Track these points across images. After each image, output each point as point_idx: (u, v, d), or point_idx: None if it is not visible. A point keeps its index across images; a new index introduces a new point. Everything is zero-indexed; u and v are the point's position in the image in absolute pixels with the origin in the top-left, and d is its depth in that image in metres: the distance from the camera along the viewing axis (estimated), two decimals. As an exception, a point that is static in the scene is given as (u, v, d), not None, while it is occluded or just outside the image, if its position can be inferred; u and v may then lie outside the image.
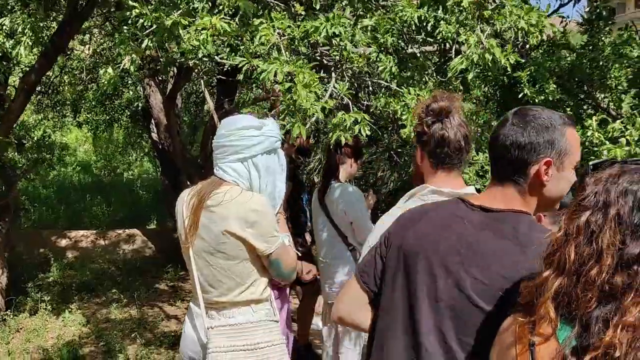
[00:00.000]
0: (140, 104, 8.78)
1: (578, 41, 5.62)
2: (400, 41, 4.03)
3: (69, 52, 8.13)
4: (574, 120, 1.57)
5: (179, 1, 3.38)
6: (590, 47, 4.67)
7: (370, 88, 3.67)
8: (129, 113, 9.80)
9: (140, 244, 8.01)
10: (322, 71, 3.20)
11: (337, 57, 3.00)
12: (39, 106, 10.23)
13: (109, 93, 8.63)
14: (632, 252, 1.01)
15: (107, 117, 9.99)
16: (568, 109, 3.75)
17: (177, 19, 2.78)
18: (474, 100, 6.15)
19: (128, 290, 6.36)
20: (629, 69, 4.26)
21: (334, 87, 2.83)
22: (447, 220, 1.50)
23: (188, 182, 5.66)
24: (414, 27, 3.97)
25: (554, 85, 4.66)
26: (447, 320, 1.40)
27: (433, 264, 1.46)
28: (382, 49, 3.57)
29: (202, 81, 4.46)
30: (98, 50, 7.69)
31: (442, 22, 3.50)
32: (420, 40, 4.12)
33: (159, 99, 6.80)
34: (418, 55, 3.54)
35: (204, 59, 3.71)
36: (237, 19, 2.86)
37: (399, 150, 6.61)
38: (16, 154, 6.76)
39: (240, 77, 2.99)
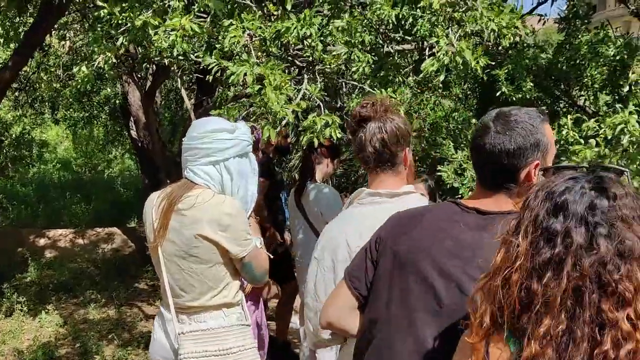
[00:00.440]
0: (118, 102, 8.68)
1: (556, 39, 5.66)
2: (377, 39, 4.02)
3: (46, 48, 8.01)
4: (546, 113, 1.58)
5: (153, 1, 3.34)
6: (567, 46, 4.70)
7: (345, 89, 3.65)
8: (107, 110, 9.69)
9: (120, 243, 7.93)
10: (297, 72, 3.18)
11: (310, 58, 2.98)
12: (16, 103, 10.08)
13: (86, 90, 8.52)
14: (543, 258, 0.99)
15: (86, 114, 9.87)
16: (544, 108, 3.77)
17: (147, 19, 2.73)
18: (453, 98, 6.18)
19: (106, 290, 6.30)
20: (604, 67, 4.29)
21: (306, 89, 2.81)
22: (442, 224, 1.49)
23: (167, 181, 5.61)
24: (391, 25, 3.97)
25: (531, 84, 4.69)
26: (452, 325, 1.38)
27: (431, 272, 1.44)
28: (360, 47, 3.56)
29: (178, 79, 4.42)
30: (74, 48, 7.58)
31: (419, 20, 3.50)
32: (398, 38, 4.11)
33: (138, 96, 6.72)
34: (392, 53, 3.52)
35: (179, 57, 3.67)
36: (208, 19, 2.83)
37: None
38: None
39: (210, 78, 2.95)
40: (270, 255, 2.36)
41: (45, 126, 12.95)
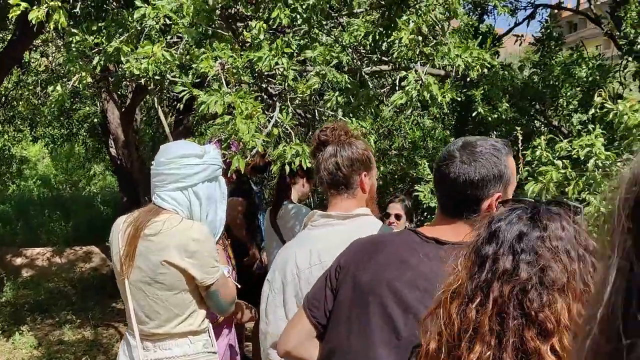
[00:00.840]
0: (97, 120, 8.63)
1: (534, 59, 5.73)
2: (355, 60, 4.05)
3: (25, 65, 7.96)
4: (510, 145, 1.59)
5: (129, 23, 3.33)
6: (542, 67, 4.77)
7: (317, 117, 3.66)
8: (87, 127, 9.62)
9: (99, 262, 7.84)
10: (270, 99, 3.19)
11: (282, 86, 2.98)
12: (-5, 119, 9.99)
13: (65, 108, 8.46)
14: (475, 283, 1.01)
15: (65, 132, 9.79)
16: (519, 128, 3.81)
17: (119, 45, 2.72)
18: (431, 118, 6.22)
19: (83, 310, 6.21)
20: (577, 89, 4.36)
21: (278, 117, 2.81)
22: (403, 254, 1.48)
23: (146, 198, 5.57)
24: (368, 47, 4.00)
25: (507, 104, 4.74)
26: (411, 357, 1.37)
27: (391, 302, 1.43)
28: (337, 68, 3.58)
29: (155, 99, 4.40)
30: (51, 67, 7.54)
31: (396, 42, 3.54)
32: (375, 59, 4.15)
33: (117, 114, 6.69)
34: (367, 79, 3.55)
35: (156, 77, 3.66)
36: (181, 45, 2.83)
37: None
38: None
39: (181, 106, 2.95)
40: (237, 284, 2.33)
41: (26, 142, 12.82)
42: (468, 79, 3.72)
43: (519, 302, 0.97)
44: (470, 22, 5.24)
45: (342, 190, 1.94)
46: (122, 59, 2.77)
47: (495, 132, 5.25)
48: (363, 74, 3.64)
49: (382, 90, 4.94)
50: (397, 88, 3.04)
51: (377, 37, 3.33)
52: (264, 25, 3.11)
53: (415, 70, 2.87)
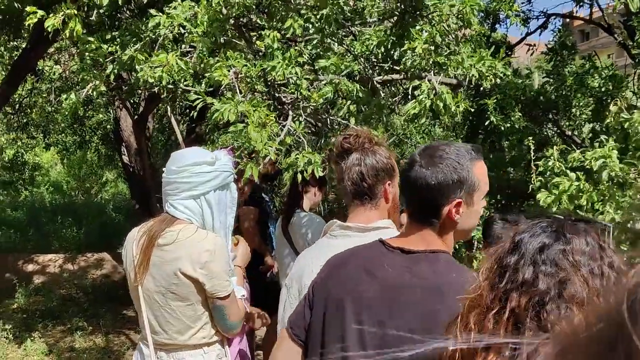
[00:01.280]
0: (110, 127, 8.69)
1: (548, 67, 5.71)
2: (366, 69, 4.06)
3: (39, 73, 8.04)
4: (482, 150, 1.56)
5: (142, 32, 3.36)
6: (555, 76, 4.75)
7: (329, 126, 3.67)
8: (99, 135, 9.69)
9: (110, 269, 7.87)
10: (283, 107, 3.20)
11: (295, 95, 2.99)
12: (9, 127, 10.09)
13: (78, 116, 8.54)
14: (495, 293, 1.01)
15: (78, 139, 9.86)
16: (530, 138, 3.79)
17: (133, 54, 2.74)
18: (442, 127, 6.21)
19: (94, 317, 6.23)
20: (590, 98, 4.33)
21: (290, 126, 2.82)
22: (369, 265, 1.48)
23: (158, 205, 5.59)
24: (380, 56, 4.01)
25: (520, 113, 4.72)
26: None
27: (359, 315, 1.43)
28: (349, 78, 3.59)
29: (168, 107, 4.42)
30: (64, 75, 7.62)
31: (408, 51, 3.54)
32: (387, 68, 4.15)
33: (130, 122, 6.73)
34: (378, 88, 3.56)
35: (169, 85, 3.69)
36: (195, 55, 2.85)
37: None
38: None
39: (194, 114, 2.96)
40: (247, 308, 2.33)
41: (39, 149, 12.93)
42: (481, 88, 3.72)
43: (537, 313, 0.96)
44: (482, 31, 5.24)
45: (366, 200, 1.89)
46: (137, 67, 2.79)
47: (507, 141, 5.23)
48: (375, 82, 3.64)
49: (394, 99, 4.95)
50: (409, 97, 3.03)
51: (390, 46, 3.33)
52: (277, 34, 3.13)
53: (429, 80, 2.86)
